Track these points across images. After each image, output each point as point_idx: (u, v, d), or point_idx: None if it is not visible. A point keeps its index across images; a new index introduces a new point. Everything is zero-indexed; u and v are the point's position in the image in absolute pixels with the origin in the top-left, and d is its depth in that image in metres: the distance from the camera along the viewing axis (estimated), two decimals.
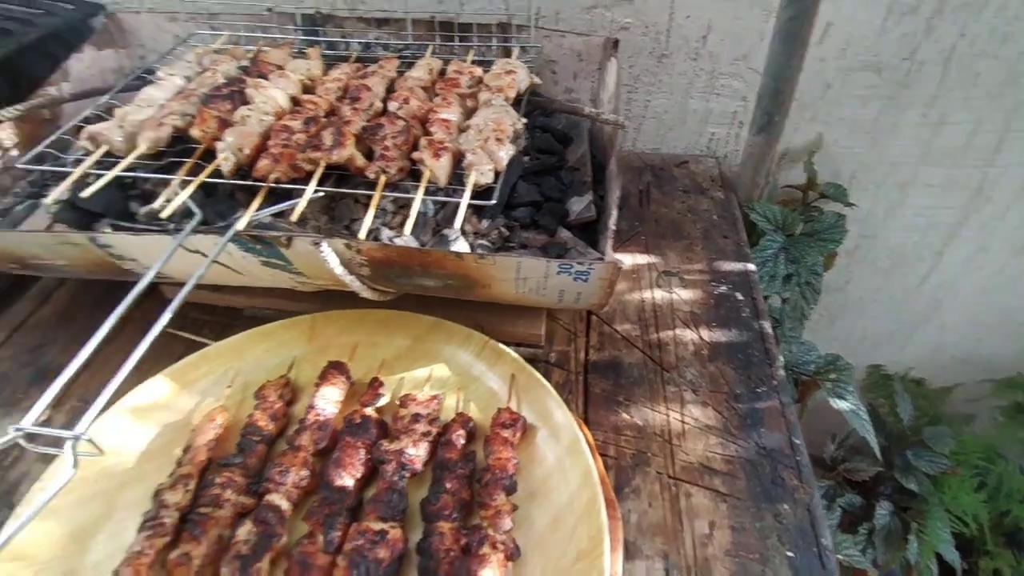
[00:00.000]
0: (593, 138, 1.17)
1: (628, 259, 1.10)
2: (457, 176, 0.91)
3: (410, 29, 1.25)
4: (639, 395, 0.83)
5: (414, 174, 0.85)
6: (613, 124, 0.99)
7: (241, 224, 0.82)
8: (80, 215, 0.97)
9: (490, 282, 0.71)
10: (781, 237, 1.24)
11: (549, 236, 0.97)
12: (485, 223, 0.96)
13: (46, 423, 0.69)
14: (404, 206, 0.96)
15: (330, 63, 1.21)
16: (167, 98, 1.04)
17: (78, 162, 0.96)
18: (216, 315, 0.95)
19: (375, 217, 0.86)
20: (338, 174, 0.87)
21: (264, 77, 1.06)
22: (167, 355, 0.83)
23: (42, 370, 0.94)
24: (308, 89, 1.09)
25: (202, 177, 0.89)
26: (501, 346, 0.84)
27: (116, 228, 0.93)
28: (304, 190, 0.85)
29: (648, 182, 1.31)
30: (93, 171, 0.93)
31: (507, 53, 1.25)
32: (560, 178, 1.08)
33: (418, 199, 0.84)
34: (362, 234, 0.80)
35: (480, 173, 0.87)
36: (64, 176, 0.92)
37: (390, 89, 1.08)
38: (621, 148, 1.07)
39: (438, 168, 0.87)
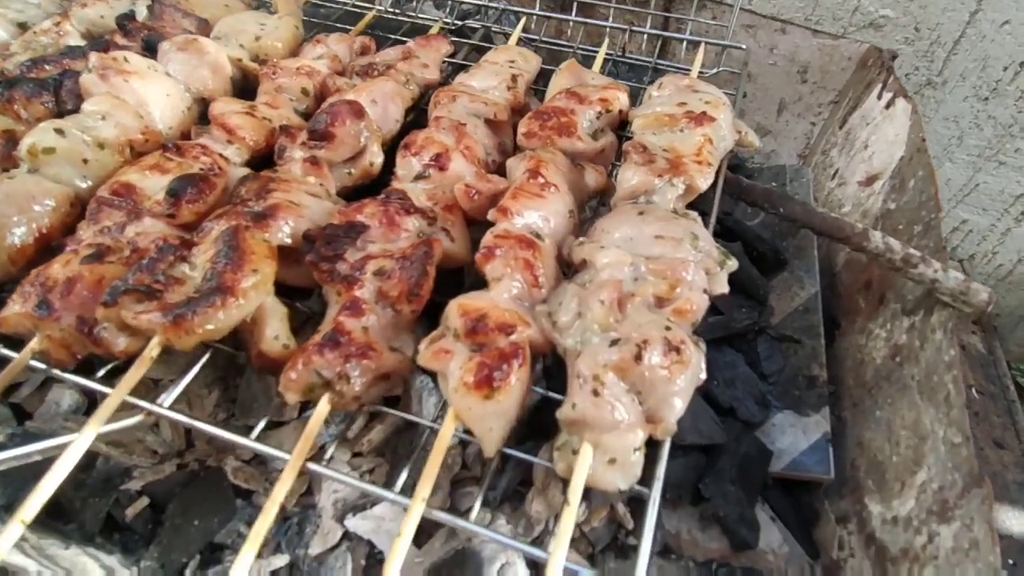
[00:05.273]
0: (825, 269, 0.55)
1: None
2: (533, 422, 0.34)
3: None
4: None
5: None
6: (958, 299, 0.38)
7: None
8: None
9: None
10: None
11: (734, 543, 0.39)
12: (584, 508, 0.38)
13: None
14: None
15: (323, 19, 0.63)
16: None
17: None
18: None
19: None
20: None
21: (155, 42, 0.49)
22: None
23: None
24: (250, 73, 0.51)
25: None
26: None
27: None
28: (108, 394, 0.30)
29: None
30: None
31: (664, 49, 0.63)
32: (757, 361, 0.48)
33: (409, 528, 0.27)
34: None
35: (609, 461, 0.28)
36: None
37: (415, 114, 0.49)
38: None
39: (481, 418, 0.29)
